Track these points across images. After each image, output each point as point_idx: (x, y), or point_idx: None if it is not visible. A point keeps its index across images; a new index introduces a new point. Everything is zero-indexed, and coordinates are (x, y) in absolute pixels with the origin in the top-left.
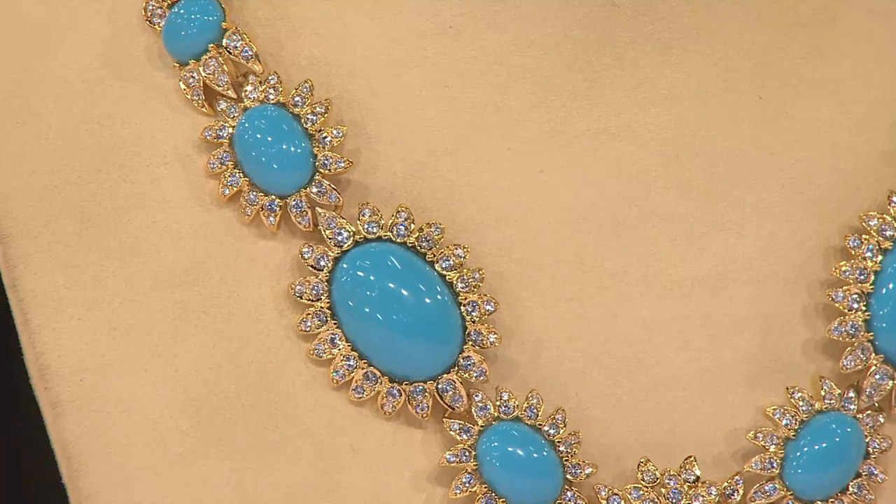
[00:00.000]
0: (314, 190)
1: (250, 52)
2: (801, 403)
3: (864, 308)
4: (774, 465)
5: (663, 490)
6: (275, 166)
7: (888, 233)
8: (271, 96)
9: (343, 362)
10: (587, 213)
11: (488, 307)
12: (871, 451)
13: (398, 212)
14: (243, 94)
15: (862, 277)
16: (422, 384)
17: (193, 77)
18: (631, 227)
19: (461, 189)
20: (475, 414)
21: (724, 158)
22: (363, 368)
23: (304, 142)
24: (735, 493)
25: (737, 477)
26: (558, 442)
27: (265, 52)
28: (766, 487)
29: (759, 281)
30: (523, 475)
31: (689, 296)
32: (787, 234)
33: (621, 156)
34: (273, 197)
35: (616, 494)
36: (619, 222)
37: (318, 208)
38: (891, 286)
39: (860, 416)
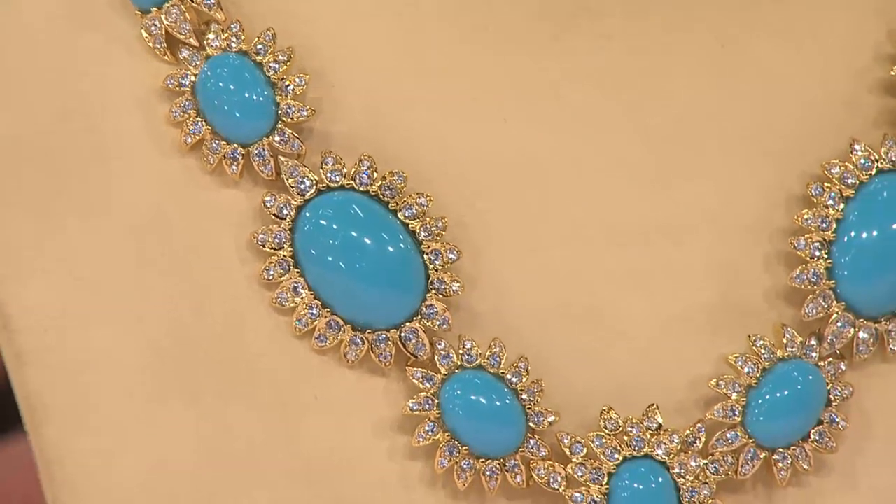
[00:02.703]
0: (277, 138)
1: (212, 1)
2: (762, 351)
3: (825, 256)
4: (736, 412)
5: (625, 438)
6: (237, 115)
7: (850, 181)
8: (233, 44)
9: (306, 311)
10: (550, 161)
11: (451, 256)
12: (832, 398)
13: (361, 160)
14: (205, 42)
15: (824, 225)
16: (385, 332)
17: (155, 25)
18: (594, 175)
19: (424, 137)
20: (438, 362)
21: (687, 106)
22: (326, 317)
23: (267, 90)
24: (697, 441)
25: (699, 424)
26: (521, 390)
27: (227, 1)
28: (728, 435)
29: (721, 229)
30: (486, 423)
31: (651, 244)
32: (749, 182)
33: (585, 104)
34: (235, 145)
35: (578, 442)
36: (583, 171)
37: (280, 157)
38: (853, 234)
39: (822, 363)
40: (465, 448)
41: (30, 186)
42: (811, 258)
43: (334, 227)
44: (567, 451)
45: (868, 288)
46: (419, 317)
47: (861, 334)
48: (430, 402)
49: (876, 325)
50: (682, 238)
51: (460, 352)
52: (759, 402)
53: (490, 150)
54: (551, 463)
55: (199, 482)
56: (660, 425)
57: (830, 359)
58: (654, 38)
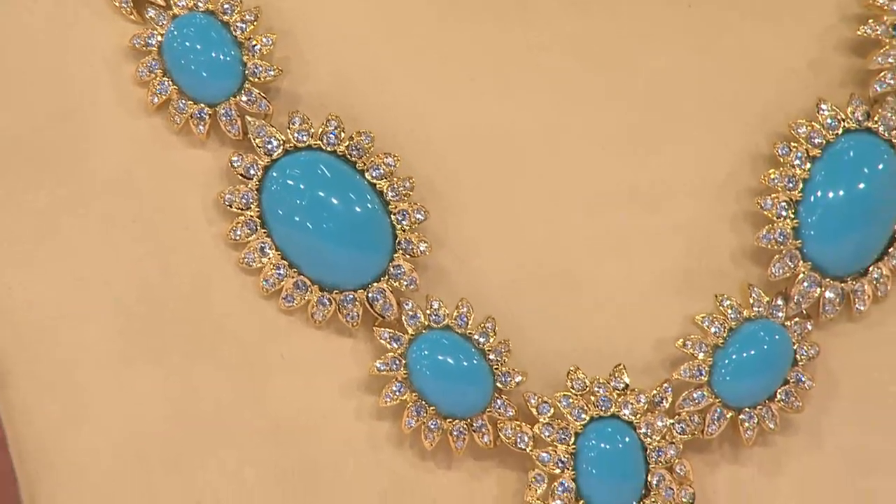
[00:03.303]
0: (244, 98)
1: None
2: (729, 311)
3: (792, 216)
4: (703, 372)
5: (592, 398)
6: (204, 74)
7: (817, 140)
8: (200, 4)
9: (273, 271)
10: (520, 124)
11: (418, 216)
12: (799, 358)
13: (328, 120)
14: (172, 1)
15: (791, 185)
16: (352, 293)
17: None
18: (564, 138)
19: (392, 97)
20: (405, 322)
21: (657, 70)
22: (293, 277)
23: (234, 50)
24: (664, 401)
25: (665, 384)
26: (488, 350)
27: None
28: (695, 395)
29: (689, 189)
30: (453, 383)
31: (616, 204)
32: (717, 143)
33: (555, 67)
34: (202, 105)
35: (546, 402)
36: (553, 133)
37: (247, 117)
38: (819, 194)
39: (788, 323)
40: (432, 408)
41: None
42: (777, 218)
43: (301, 187)
44: (534, 411)
45: (834, 247)
46: (386, 277)
47: (827, 294)
48: (397, 362)
49: (842, 284)
50: (647, 198)
51: (427, 312)
52: (726, 361)
53: (459, 110)
54: (518, 423)
55: (168, 443)
56: (626, 385)
57: (797, 318)
58: (626, 2)
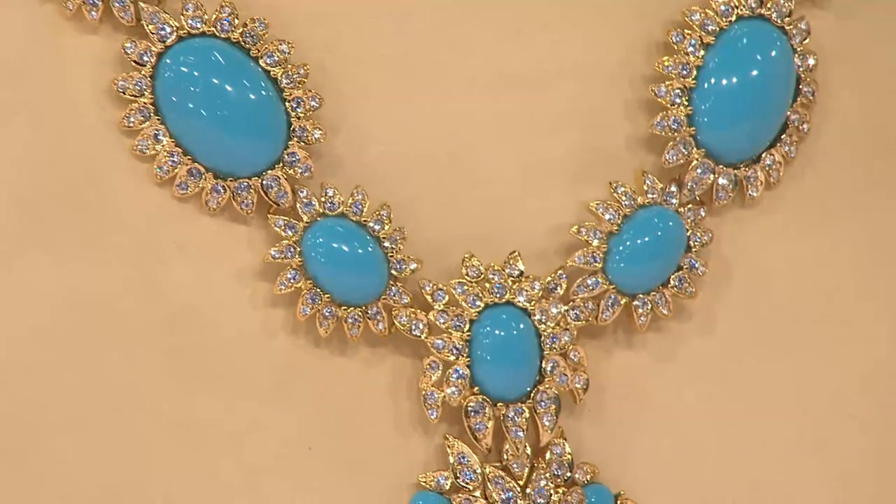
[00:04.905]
0: None
1: None
2: (623, 198)
3: (686, 103)
4: (597, 259)
5: (487, 285)
6: None
7: (710, 27)
8: None
9: (167, 158)
10: (412, 8)
11: (313, 103)
12: (692, 244)
13: (222, 6)
14: None
15: (685, 72)
16: (246, 180)
17: None
18: (456, 23)
19: None
20: (300, 210)
21: None
22: (187, 164)
23: None
24: (558, 288)
25: (560, 271)
26: (383, 238)
27: None
28: (589, 281)
29: (583, 77)
30: (348, 271)
31: (513, 92)
32: (611, 30)
33: None
34: None
35: (440, 289)
36: (444, 19)
37: (140, 3)
38: (713, 81)
39: (682, 209)
40: (327, 296)
41: None
42: (671, 105)
43: (195, 74)
44: (429, 298)
45: (727, 134)
46: (281, 164)
47: (720, 180)
48: (291, 249)
49: (735, 171)
50: (543, 85)
51: (322, 199)
52: (620, 248)
53: None
54: (413, 310)
55: (60, 332)
56: (521, 272)
57: (690, 205)
58: None
